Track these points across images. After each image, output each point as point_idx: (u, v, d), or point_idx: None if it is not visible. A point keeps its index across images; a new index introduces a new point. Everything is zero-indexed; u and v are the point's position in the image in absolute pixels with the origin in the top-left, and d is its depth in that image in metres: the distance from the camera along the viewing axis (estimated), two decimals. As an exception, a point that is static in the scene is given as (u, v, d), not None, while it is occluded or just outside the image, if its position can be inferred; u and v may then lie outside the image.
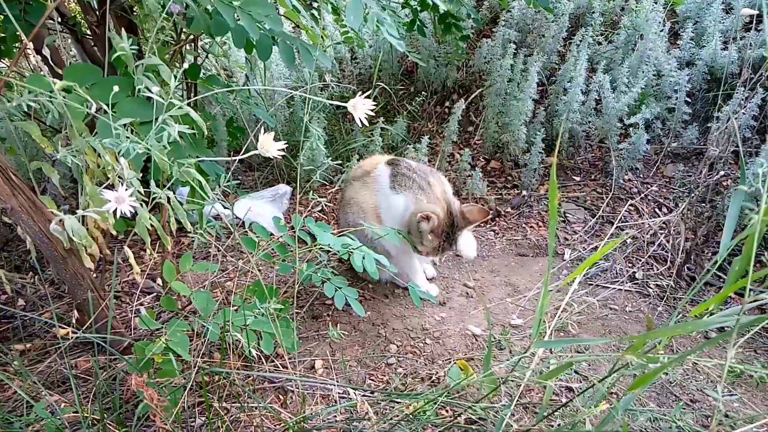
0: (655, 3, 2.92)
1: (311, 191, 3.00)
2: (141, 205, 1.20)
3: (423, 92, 3.45)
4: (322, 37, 3.81)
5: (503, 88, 2.85)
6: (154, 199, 1.24)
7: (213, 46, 2.89)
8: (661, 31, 2.85)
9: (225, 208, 2.62)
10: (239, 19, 1.24)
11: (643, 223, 2.46)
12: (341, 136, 3.25)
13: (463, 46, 3.38)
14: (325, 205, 2.83)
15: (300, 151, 2.93)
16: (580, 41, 2.86)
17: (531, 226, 2.57)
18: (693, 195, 2.23)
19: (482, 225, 2.60)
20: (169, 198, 1.19)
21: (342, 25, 3.48)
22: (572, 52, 2.85)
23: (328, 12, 3.08)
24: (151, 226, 1.27)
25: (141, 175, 1.24)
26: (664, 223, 2.41)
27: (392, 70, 3.62)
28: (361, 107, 1.02)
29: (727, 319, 0.77)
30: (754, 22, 2.72)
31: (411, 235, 1.86)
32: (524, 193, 2.76)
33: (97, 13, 1.91)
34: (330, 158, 3.00)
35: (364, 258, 1.36)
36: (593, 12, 3.08)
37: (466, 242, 2.01)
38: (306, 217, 1.64)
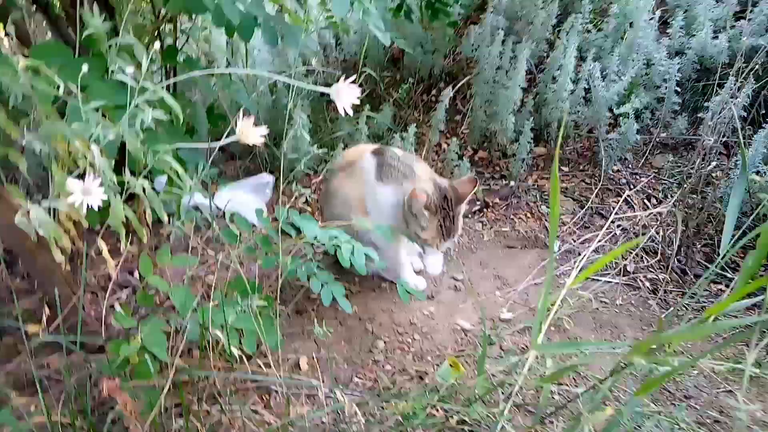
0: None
1: (295, 181, 2.93)
2: (115, 195, 1.12)
3: (409, 79, 3.38)
4: (305, 21, 3.72)
5: (491, 76, 2.79)
6: (128, 189, 1.16)
7: (194, 29, 2.79)
8: (651, 19, 2.81)
9: (205, 198, 2.53)
10: (219, -2, 1.16)
11: (634, 215, 2.42)
12: (326, 125, 3.17)
13: (450, 33, 3.31)
14: (309, 197, 2.75)
15: (283, 139, 2.84)
16: (570, 28, 2.81)
17: (519, 218, 2.53)
18: (684, 186, 2.19)
19: (471, 215, 2.54)
20: (144, 188, 1.11)
21: (327, 10, 3.39)
22: (561, 40, 2.79)
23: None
24: (126, 217, 1.19)
25: (116, 163, 1.16)
26: (655, 215, 2.38)
27: (378, 57, 3.54)
28: (345, 94, 0.94)
29: (745, 320, 0.72)
30: (749, 10, 2.69)
31: (409, 224, 1.79)
32: (512, 183, 2.71)
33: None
34: (315, 147, 2.91)
35: (352, 252, 1.30)
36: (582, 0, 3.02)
37: (432, 259, 1.99)
38: (290, 208, 1.57)
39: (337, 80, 0.94)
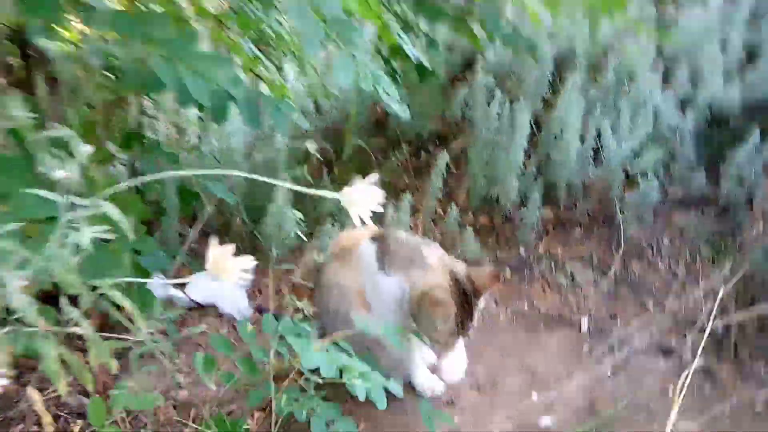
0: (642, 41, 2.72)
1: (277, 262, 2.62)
2: (46, 339, 0.82)
3: (397, 144, 3.16)
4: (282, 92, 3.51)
5: (490, 138, 2.57)
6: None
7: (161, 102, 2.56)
8: (654, 70, 2.65)
9: (176, 289, 2.22)
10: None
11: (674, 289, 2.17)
12: (312, 200, 2.90)
13: (437, 95, 3.13)
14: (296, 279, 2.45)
15: (265, 217, 2.56)
16: (571, 85, 2.61)
17: (536, 292, 2.25)
18: (740, 254, 1.95)
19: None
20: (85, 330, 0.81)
21: (304, 76, 3.19)
22: (562, 97, 2.60)
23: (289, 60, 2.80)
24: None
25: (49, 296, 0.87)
26: (689, 280, 2.13)
27: (362, 122, 3.32)
28: (362, 200, 0.67)
29: None
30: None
31: (419, 323, 1.51)
32: (522, 251, 2.45)
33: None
34: (300, 225, 2.64)
35: (369, 390, 1.00)
36: (577, 56, 2.86)
37: (451, 361, 1.74)
38: (279, 314, 1.27)
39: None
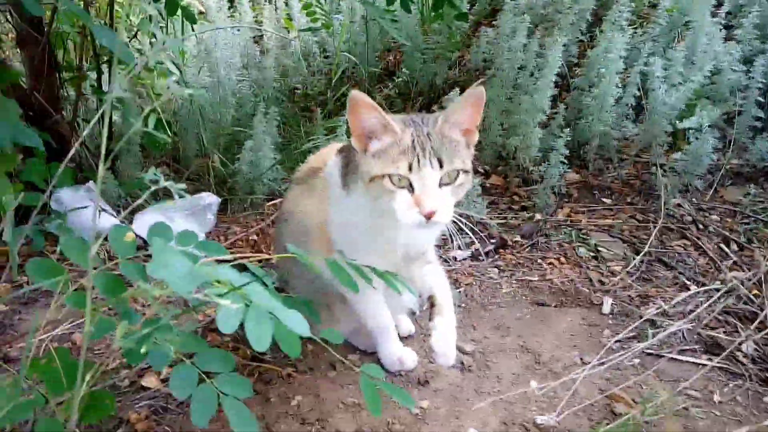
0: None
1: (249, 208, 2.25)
2: None
3: (407, 94, 2.75)
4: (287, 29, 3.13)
5: (512, 78, 2.14)
6: None
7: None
8: (716, 16, 2.19)
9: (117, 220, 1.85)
10: None
11: (710, 264, 1.73)
12: (299, 140, 2.51)
13: (457, 33, 2.70)
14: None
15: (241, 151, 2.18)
16: (614, 21, 2.16)
17: (550, 263, 1.83)
18: None
19: (483, 256, 1.84)
20: None
21: (310, 12, 2.80)
22: (603, 35, 2.15)
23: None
24: None
25: None
26: (742, 266, 1.69)
27: (369, 68, 2.91)
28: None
29: None
30: None
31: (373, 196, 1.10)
32: (538, 217, 2.02)
33: None
34: (281, 165, 2.25)
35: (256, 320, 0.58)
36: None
37: (445, 337, 1.18)
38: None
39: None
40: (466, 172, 1.10)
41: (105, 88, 2.16)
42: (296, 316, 0.62)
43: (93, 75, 2.24)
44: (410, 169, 1.04)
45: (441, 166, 1.05)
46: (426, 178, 1.05)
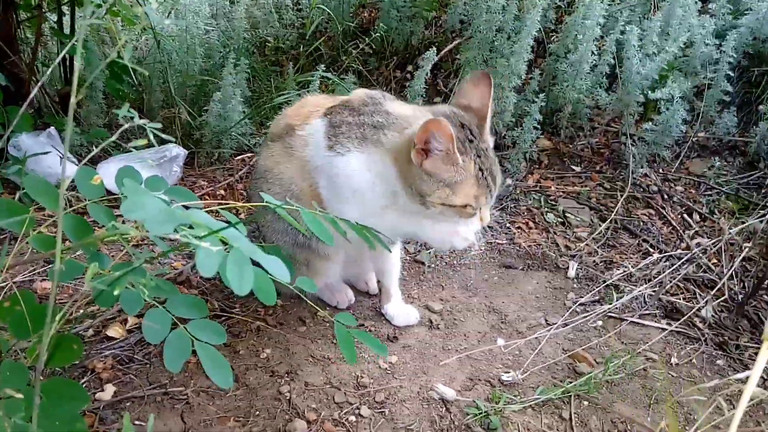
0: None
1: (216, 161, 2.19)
2: None
3: (382, 52, 2.70)
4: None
5: (489, 40, 2.12)
6: None
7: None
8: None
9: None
10: None
11: (674, 232, 1.77)
12: (269, 95, 2.45)
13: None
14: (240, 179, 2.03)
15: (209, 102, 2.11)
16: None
17: (518, 227, 1.85)
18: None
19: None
20: None
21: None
22: (580, 2, 2.14)
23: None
24: None
25: None
26: (703, 235, 1.74)
27: (344, 23, 2.84)
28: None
29: None
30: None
31: (419, 190, 1.10)
32: (509, 182, 2.04)
33: None
34: (250, 118, 2.19)
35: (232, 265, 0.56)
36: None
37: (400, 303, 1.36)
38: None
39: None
40: None
41: (66, 30, 2.05)
42: (277, 262, 0.60)
43: (53, 17, 2.13)
44: (486, 200, 1.14)
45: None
46: (490, 200, 1.16)
